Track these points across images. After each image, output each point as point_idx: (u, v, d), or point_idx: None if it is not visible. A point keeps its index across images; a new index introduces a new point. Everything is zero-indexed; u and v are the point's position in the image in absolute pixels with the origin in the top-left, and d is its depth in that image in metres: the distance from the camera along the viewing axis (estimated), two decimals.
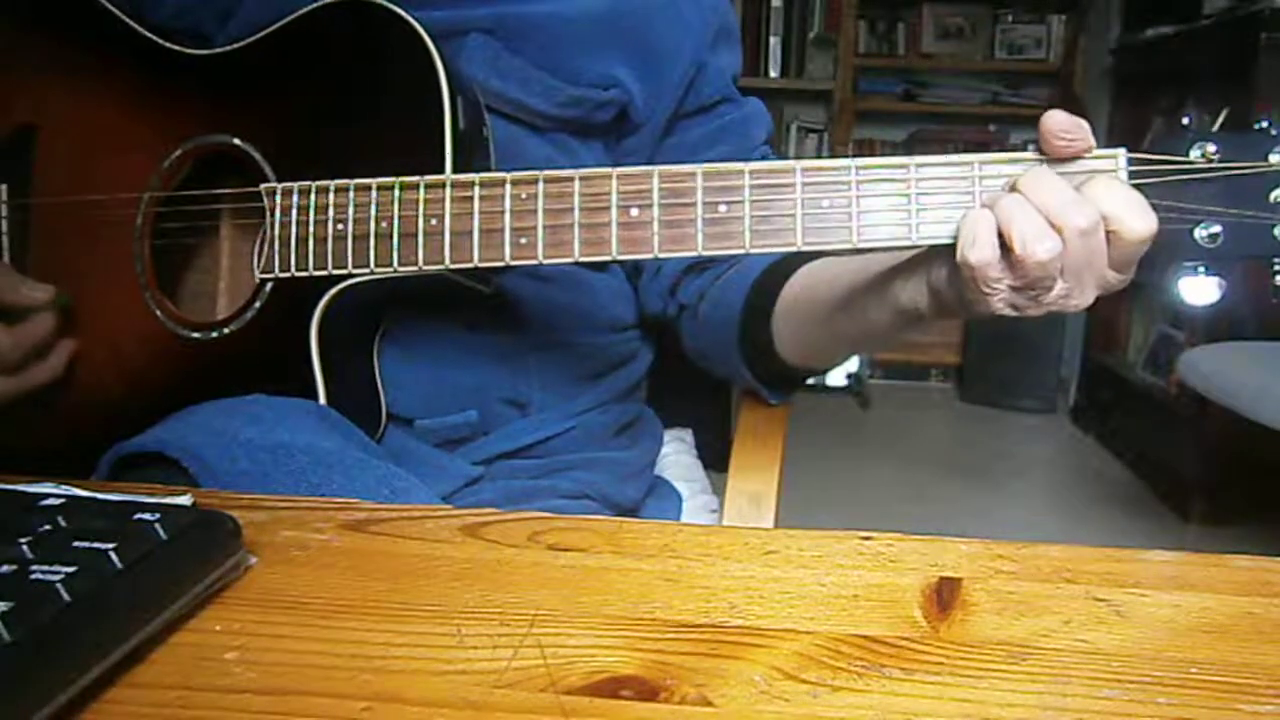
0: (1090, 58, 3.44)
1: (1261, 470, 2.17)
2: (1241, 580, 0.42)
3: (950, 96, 3.61)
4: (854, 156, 0.58)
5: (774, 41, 3.53)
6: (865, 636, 0.37)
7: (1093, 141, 0.54)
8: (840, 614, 0.39)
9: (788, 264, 0.76)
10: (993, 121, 3.63)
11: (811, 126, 3.67)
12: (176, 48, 0.71)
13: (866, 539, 0.45)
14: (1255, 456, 2.14)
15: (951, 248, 0.55)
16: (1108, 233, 0.52)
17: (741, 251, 0.58)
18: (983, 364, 3.41)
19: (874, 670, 0.35)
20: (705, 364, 0.85)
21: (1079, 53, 3.47)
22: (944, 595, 0.40)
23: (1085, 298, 0.54)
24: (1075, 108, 3.42)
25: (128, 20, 0.72)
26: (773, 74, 3.55)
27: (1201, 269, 0.56)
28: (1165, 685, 0.34)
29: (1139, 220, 0.52)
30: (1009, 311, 0.55)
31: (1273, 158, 0.54)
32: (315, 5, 0.67)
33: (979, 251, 0.52)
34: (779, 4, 3.51)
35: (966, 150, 0.56)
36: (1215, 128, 0.55)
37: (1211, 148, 0.54)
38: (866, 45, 3.66)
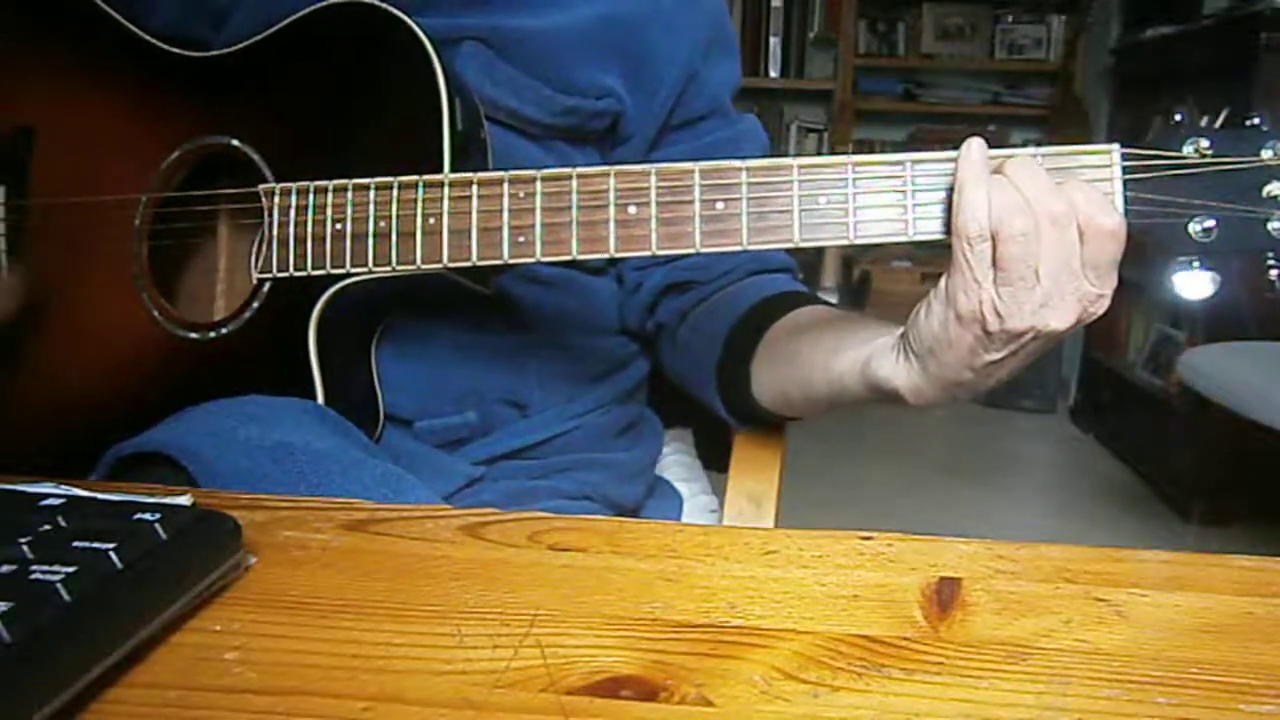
0: (1090, 58, 3.44)
1: (1261, 470, 2.17)
2: (1241, 580, 0.42)
3: (950, 96, 3.62)
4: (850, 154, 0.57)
5: (774, 41, 3.53)
6: (865, 636, 0.37)
7: None
8: (840, 614, 0.39)
9: (776, 305, 0.75)
10: (993, 121, 3.62)
11: (811, 126, 3.67)
12: (175, 50, 0.71)
13: (866, 539, 0.45)
14: (1255, 456, 2.14)
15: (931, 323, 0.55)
16: (1078, 230, 0.52)
17: (739, 248, 0.58)
18: None
19: (874, 670, 0.35)
20: (681, 385, 0.83)
21: (1079, 53, 3.47)
22: (944, 595, 0.40)
23: (1065, 310, 0.53)
24: (1075, 108, 3.42)
25: (126, 23, 0.72)
26: (773, 74, 3.56)
27: (1196, 263, 0.56)
28: (1165, 685, 0.34)
29: (1104, 215, 0.52)
30: (991, 355, 0.55)
31: (1265, 153, 0.54)
32: (313, 7, 0.67)
33: (976, 219, 0.52)
34: (779, 4, 3.51)
35: None
36: (1217, 125, 0.55)
37: (1205, 143, 0.55)
38: (866, 45, 3.66)
